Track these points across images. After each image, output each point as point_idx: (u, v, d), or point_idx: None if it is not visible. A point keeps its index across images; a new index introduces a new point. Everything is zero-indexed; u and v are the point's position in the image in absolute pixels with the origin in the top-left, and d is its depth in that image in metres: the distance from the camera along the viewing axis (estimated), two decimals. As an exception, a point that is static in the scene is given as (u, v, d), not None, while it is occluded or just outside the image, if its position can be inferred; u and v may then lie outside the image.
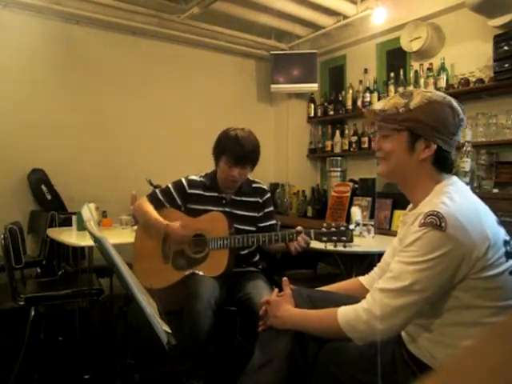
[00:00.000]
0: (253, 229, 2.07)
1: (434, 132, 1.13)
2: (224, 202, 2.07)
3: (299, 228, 1.86)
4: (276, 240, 1.86)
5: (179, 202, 2.07)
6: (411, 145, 1.16)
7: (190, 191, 2.07)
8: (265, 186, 2.19)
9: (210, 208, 2.03)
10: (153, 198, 2.08)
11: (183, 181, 2.09)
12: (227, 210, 2.04)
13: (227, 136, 2.01)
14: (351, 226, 1.82)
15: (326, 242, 1.80)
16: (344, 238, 1.77)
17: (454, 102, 1.16)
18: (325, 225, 1.83)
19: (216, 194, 2.08)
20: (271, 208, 2.17)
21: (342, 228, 1.79)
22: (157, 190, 2.11)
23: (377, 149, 1.24)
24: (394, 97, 1.21)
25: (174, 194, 2.07)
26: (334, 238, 1.78)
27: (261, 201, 2.12)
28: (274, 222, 2.15)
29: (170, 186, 2.10)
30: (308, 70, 4.33)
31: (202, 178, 2.11)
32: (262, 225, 2.10)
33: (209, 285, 1.81)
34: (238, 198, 2.09)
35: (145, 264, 2.04)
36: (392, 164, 1.21)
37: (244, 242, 1.90)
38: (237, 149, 1.95)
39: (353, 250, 2.24)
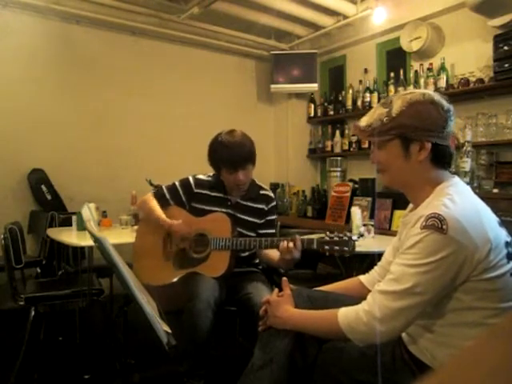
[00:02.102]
0: (252, 234, 2.05)
1: (423, 132, 1.13)
2: (229, 203, 2.06)
3: (296, 236, 1.82)
4: (278, 245, 1.83)
5: (184, 200, 2.07)
6: (406, 150, 1.15)
7: (196, 190, 2.06)
8: (272, 194, 2.16)
9: (215, 209, 2.02)
10: (158, 195, 2.07)
11: (190, 179, 2.08)
12: (230, 212, 2.02)
13: (217, 145, 1.99)
14: (354, 237, 1.77)
15: (328, 250, 1.75)
16: (346, 249, 1.73)
17: (436, 96, 1.16)
18: (328, 233, 1.78)
19: (221, 195, 2.06)
20: (274, 217, 2.15)
21: (345, 238, 1.74)
22: (163, 187, 2.11)
23: (375, 162, 1.24)
24: (376, 108, 1.21)
25: (180, 191, 2.06)
26: (337, 247, 1.74)
27: (266, 208, 2.10)
28: (273, 230, 2.13)
29: (176, 183, 2.09)
30: (308, 70, 4.33)
31: (209, 178, 2.10)
32: (261, 231, 2.08)
33: (209, 285, 1.81)
34: (244, 203, 2.07)
35: (145, 261, 2.03)
36: (393, 174, 1.21)
37: (246, 244, 1.88)
38: (230, 156, 1.93)
39: (353, 250, 2.23)
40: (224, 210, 2.02)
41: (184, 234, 1.95)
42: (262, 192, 2.12)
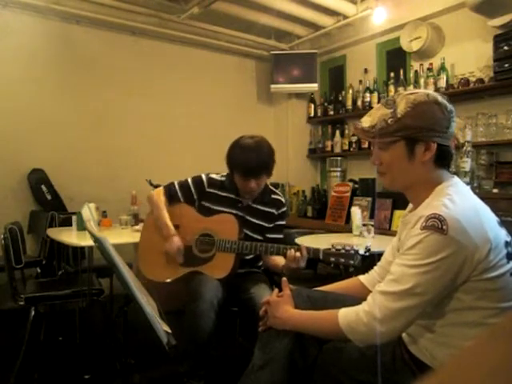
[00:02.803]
0: (260, 238, 2.04)
1: (429, 132, 1.12)
2: (240, 205, 2.05)
3: (302, 246, 1.82)
4: (284, 253, 1.82)
5: (195, 197, 2.06)
6: (411, 151, 1.14)
7: (208, 189, 2.06)
8: (283, 199, 2.16)
9: (225, 209, 2.01)
10: (169, 191, 2.07)
11: (203, 177, 2.08)
12: (240, 214, 2.01)
13: (236, 149, 1.97)
14: (361, 251, 1.74)
15: (333, 262, 1.73)
16: (351, 262, 1.71)
17: (439, 97, 1.15)
18: (334, 245, 1.75)
19: (233, 196, 2.05)
20: (283, 222, 2.14)
21: (352, 251, 1.72)
22: (175, 182, 2.10)
23: (377, 163, 1.22)
24: (378, 108, 1.19)
25: (192, 188, 2.06)
26: (342, 260, 1.72)
27: (276, 213, 2.09)
28: (281, 236, 2.12)
29: (189, 180, 2.09)
30: (308, 70, 4.33)
31: (222, 178, 2.09)
32: (269, 236, 2.07)
33: (212, 285, 1.80)
34: (255, 206, 2.06)
35: (149, 256, 2.03)
36: (394, 175, 1.20)
37: (252, 249, 1.88)
38: (245, 163, 1.91)
39: (353, 250, 2.22)
40: (234, 211, 2.01)
41: (173, 253, 1.93)
42: (273, 196, 2.11)
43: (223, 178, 2.08)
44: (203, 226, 1.98)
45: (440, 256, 1.01)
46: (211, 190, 2.06)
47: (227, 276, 1.88)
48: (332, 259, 1.73)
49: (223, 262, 1.90)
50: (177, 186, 2.07)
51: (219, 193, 2.06)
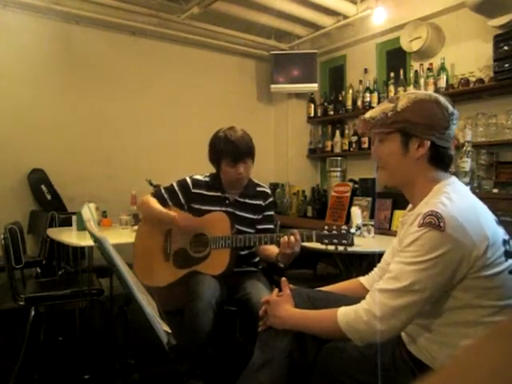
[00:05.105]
0: (252, 231, 2.07)
1: (424, 129, 1.14)
2: (227, 202, 2.07)
3: (295, 231, 1.84)
4: (277, 241, 1.85)
5: (183, 201, 2.08)
6: (405, 145, 1.16)
7: (194, 191, 2.08)
8: (269, 191, 2.19)
9: (213, 208, 2.03)
10: (157, 196, 2.08)
11: (188, 180, 2.10)
12: (229, 210, 2.04)
13: (218, 140, 2.03)
14: (352, 230, 1.80)
15: (327, 244, 1.78)
16: (345, 242, 1.76)
17: (441, 98, 1.17)
18: (326, 227, 1.80)
19: (219, 194, 2.08)
20: (272, 212, 2.17)
21: (344, 231, 1.77)
22: (161, 188, 2.12)
23: (375, 157, 1.25)
24: (383, 103, 1.23)
25: (178, 192, 2.07)
26: (335, 240, 1.77)
27: (263, 204, 2.12)
28: (271, 226, 2.14)
29: (174, 184, 2.10)
30: (308, 70, 4.33)
31: (206, 178, 2.11)
32: (259, 227, 2.09)
33: (210, 284, 1.81)
34: (242, 200, 2.09)
35: (145, 261, 2.03)
36: (391, 169, 1.22)
37: (245, 241, 1.89)
38: (232, 148, 1.97)
39: (353, 250, 2.23)
40: (223, 208, 2.03)
41: (187, 225, 1.95)
42: (258, 189, 2.14)
43: (207, 178, 2.11)
44: (195, 227, 1.98)
45: (438, 253, 1.01)
46: (197, 191, 2.08)
47: (224, 271, 1.89)
48: (325, 241, 1.78)
49: (219, 259, 1.91)
50: (163, 191, 2.09)
51: (206, 193, 2.08)
